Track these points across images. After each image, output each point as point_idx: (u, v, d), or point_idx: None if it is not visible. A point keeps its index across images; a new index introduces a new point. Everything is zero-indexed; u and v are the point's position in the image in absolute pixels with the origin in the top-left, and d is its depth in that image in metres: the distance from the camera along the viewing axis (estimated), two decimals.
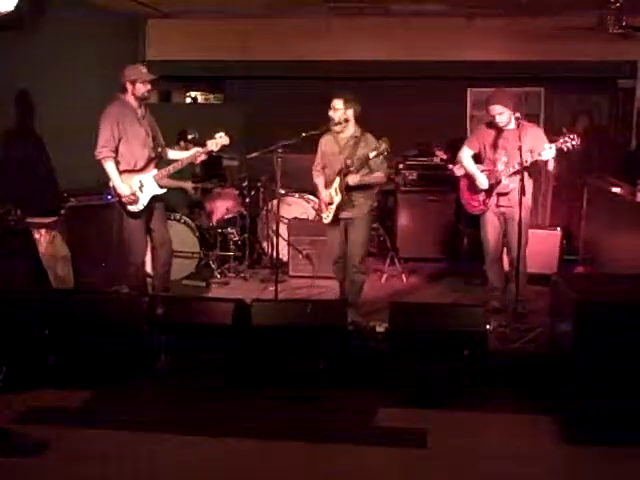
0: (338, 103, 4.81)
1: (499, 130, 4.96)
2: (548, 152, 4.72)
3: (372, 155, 4.70)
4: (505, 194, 4.99)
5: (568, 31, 7.05)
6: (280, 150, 4.92)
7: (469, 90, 8.32)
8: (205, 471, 3.25)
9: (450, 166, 7.14)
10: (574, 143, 4.64)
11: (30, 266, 5.05)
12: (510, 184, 4.93)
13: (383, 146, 4.68)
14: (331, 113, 4.83)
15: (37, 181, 5.82)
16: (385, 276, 6.45)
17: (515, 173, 4.85)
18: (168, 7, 7.39)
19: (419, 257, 7.09)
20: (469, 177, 5.18)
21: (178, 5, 7.28)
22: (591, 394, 3.42)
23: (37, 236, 5.23)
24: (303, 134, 4.82)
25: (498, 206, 5.02)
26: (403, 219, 7.16)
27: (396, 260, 6.70)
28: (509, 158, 4.90)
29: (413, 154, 7.24)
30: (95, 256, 5.81)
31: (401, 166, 7.14)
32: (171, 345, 4.19)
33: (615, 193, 5.66)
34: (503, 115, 4.87)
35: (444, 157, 7.24)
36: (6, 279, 4.70)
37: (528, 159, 4.75)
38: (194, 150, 5.13)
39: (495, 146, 4.99)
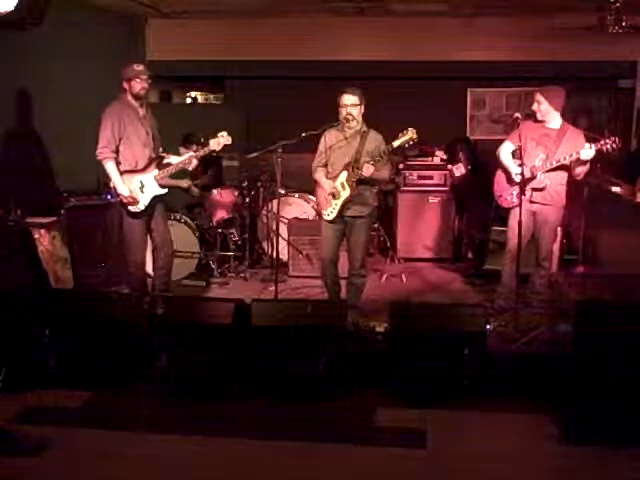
0: (354, 99, 4.70)
1: (542, 127, 4.95)
2: (587, 152, 4.71)
3: (396, 144, 4.61)
4: (539, 190, 4.96)
5: (568, 31, 7.05)
6: (280, 150, 4.91)
7: (469, 90, 8.33)
8: (205, 471, 3.26)
9: (450, 166, 7.18)
10: (615, 145, 4.63)
11: (30, 266, 5.04)
12: (545, 180, 4.92)
13: (409, 135, 4.58)
14: (349, 110, 4.67)
15: (37, 181, 5.82)
16: (385, 276, 6.45)
17: (551, 170, 4.89)
18: (168, 7, 7.40)
19: (419, 257, 7.09)
20: (504, 170, 5.16)
21: (178, 5, 7.28)
22: (591, 394, 3.42)
23: (37, 236, 5.23)
24: (303, 134, 4.80)
25: (531, 202, 4.98)
26: (403, 219, 7.16)
27: (396, 260, 6.70)
28: (548, 155, 4.90)
29: (413, 154, 7.25)
30: (95, 256, 5.81)
31: (401, 166, 7.14)
32: (171, 345, 4.19)
33: (615, 193, 5.66)
34: (541, 105, 4.91)
35: (444, 157, 7.24)
36: (6, 279, 4.70)
37: (567, 157, 4.80)
38: (187, 155, 5.14)
39: (535, 142, 4.96)
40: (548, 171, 4.90)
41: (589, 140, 4.82)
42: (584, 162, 4.80)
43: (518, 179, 4.87)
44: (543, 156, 4.91)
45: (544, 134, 4.94)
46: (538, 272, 5.18)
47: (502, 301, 5.16)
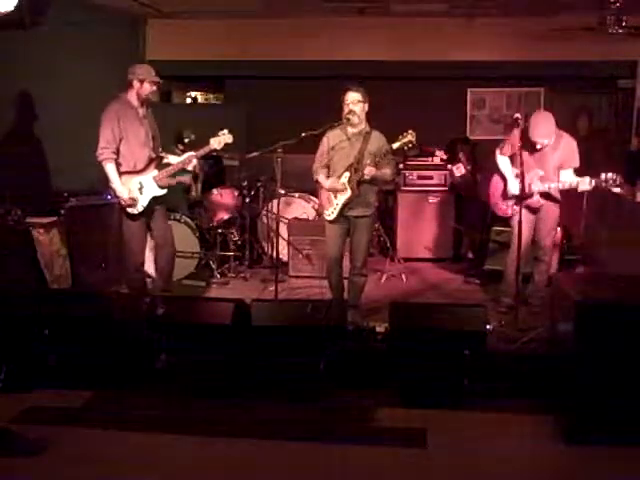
0: (358, 96, 4.70)
1: (536, 143, 4.86)
2: (585, 186, 4.76)
3: (396, 146, 4.63)
4: (535, 208, 5.01)
5: (568, 31, 7.06)
6: (280, 150, 4.90)
7: (469, 90, 8.34)
8: (205, 471, 3.25)
9: (449, 166, 7.18)
10: (616, 184, 4.65)
11: (30, 266, 5.05)
12: (541, 200, 4.97)
13: (408, 137, 4.60)
14: (352, 107, 4.68)
15: (37, 181, 5.82)
16: (385, 276, 6.44)
17: (545, 193, 4.93)
18: (168, 7, 7.40)
19: (419, 257, 7.09)
20: (503, 178, 5.16)
21: (178, 5, 7.29)
22: (591, 394, 3.42)
23: (37, 236, 5.23)
24: (303, 134, 4.80)
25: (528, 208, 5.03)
26: (403, 219, 7.16)
27: (396, 260, 6.70)
28: (544, 173, 4.90)
29: (413, 154, 7.24)
30: (95, 256, 5.81)
31: (401, 166, 7.14)
32: (171, 345, 4.18)
33: (615, 193, 5.66)
34: (547, 142, 4.85)
35: (444, 157, 7.24)
36: (6, 279, 4.70)
37: (565, 185, 4.84)
38: (186, 155, 5.08)
39: (532, 158, 4.90)
40: (542, 194, 4.93)
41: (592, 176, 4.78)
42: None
43: (513, 192, 4.96)
44: (541, 172, 4.90)
45: (540, 150, 4.89)
46: (538, 267, 5.19)
47: (507, 299, 5.17)
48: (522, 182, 4.66)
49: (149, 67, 4.92)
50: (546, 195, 4.97)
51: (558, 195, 5.00)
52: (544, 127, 4.82)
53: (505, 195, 5.12)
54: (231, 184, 7.00)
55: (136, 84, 4.82)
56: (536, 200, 4.95)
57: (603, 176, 4.66)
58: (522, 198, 4.73)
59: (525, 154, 4.77)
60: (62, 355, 4.16)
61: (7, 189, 5.30)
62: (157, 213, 5.06)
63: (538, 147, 4.86)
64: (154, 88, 4.91)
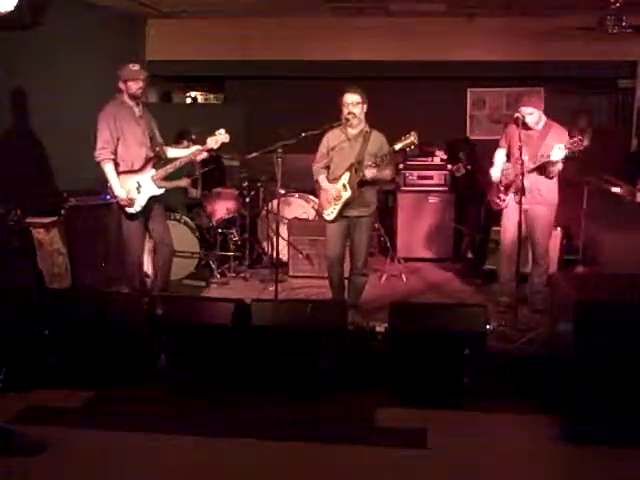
0: (356, 97, 4.72)
1: (525, 128, 4.93)
2: (557, 153, 4.73)
3: (398, 147, 4.65)
4: (523, 191, 4.99)
5: (568, 31, 7.06)
6: (280, 150, 4.91)
7: (469, 90, 8.34)
8: (205, 471, 3.25)
9: (450, 166, 7.18)
10: (580, 145, 4.64)
11: (30, 266, 5.04)
12: (525, 182, 4.94)
13: (411, 139, 4.61)
14: (351, 109, 4.70)
15: (37, 181, 5.82)
16: (385, 276, 6.44)
17: (533, 171, 4.90)
18: (168, 7, 7.40)
19: (419, 257, 7.10)
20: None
21: (178, 5, 7.28)
22: (591, 394, 3.42)
23: (37, 236, 5.23)
24: (303, 134, 4.81)
25: (519, 203, 5.00)
26: (403, 219, 7.17)
27: (396, 260, 6.70)
28: (529, 155, 4.90)
29: (413, 154, 7.24)
30: (95, 256, 5.81)
31: (401, 166, 7.14)
32: (171, 345, 4.18)
33: (615, 193, 5.66)
34: (533, 115, 4.91)
35: (444, 157, 7.25)
36: (6, 279, 4.70)
37: (537, 162, 4.83)
38: (194, 148, 5.10)
39: (523, 144, 4.91)
40: (530, 172, 4.90)
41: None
42: (554, 162, 4.81)
43: (494, 178, 5.05)
44: (526, 158, 4.91)
45: (527, 135, 4.91)
46: (536, 270, 5.19)
47: (505, 298, 5.17)
48: (522, 181, 4.67)
49: (130, 65, 4.87)
50: (537, 195, 4.99)
51: (553, 180, 5.03)
52: (528, 100, 4.93)
53: (499, 188, 5.15)
54: (231, 184, 6.99)
55: (122, 85, 4.85)
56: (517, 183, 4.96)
57: (571, 140, 4.69)
58: (521, 194, 4.75)
59: (515, 144, 4.80)
60: (62, 355, 4.17)
61: (7, 189, 5.30)
62: (155, 213, 5.07)
63: (527, 121, 4.88)
64: (140, 84, 4.87)
